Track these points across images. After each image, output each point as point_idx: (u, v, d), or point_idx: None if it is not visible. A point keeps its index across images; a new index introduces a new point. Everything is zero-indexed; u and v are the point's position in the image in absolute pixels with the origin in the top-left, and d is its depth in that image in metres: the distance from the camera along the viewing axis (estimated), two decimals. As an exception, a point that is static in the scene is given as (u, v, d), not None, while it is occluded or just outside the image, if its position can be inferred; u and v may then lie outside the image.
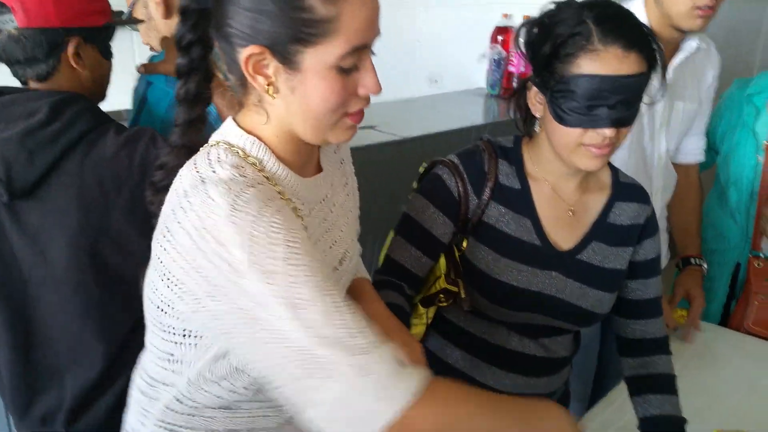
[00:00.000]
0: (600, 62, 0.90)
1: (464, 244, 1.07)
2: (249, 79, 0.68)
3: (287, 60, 0.66)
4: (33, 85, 1.08)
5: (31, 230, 1.03)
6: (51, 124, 1.00)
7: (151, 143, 1.04)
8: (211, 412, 0.77)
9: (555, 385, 1.18)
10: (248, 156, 0.71)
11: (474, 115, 2.39)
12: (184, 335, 0.71)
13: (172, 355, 0.74)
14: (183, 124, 0.76)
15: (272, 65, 0.67)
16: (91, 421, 1.10)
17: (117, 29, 1.16)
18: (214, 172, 0.66)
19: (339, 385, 0.61)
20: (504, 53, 2.44)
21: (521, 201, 1.06)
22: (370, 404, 0.61)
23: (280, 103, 0.70)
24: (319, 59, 0.66)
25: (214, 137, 0.75)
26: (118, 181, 1.02)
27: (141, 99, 1.23)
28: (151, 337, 0.77)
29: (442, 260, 1.07)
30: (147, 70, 1.18)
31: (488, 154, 1.06)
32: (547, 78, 0.96)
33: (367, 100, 0.72)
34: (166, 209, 0.69)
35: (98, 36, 1.11)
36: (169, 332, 0.72)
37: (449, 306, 1.08)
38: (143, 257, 0.82)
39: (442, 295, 1.05)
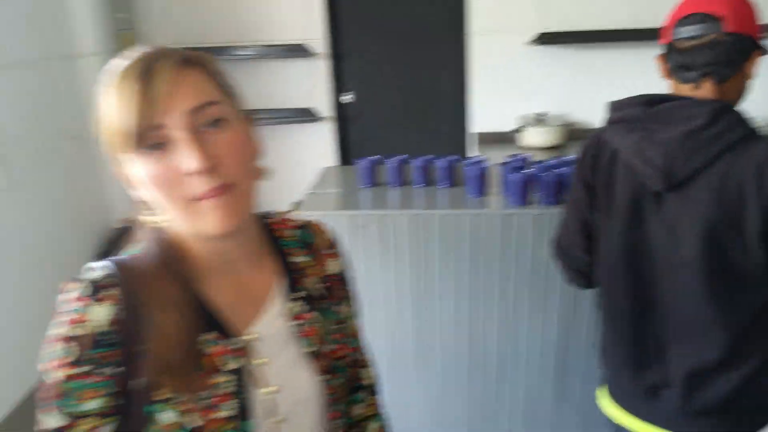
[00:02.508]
0: None
1: None
2: None
3: None
4: (700, 90, 1.17)
5: (669, 219, 1.17)
6: (709, 128, 1.10)
7: None
8: None
9: None
10: None
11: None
12: None
13: None
14: None
15: None
16: (710, 398, 1.19)
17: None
18: None
19: None
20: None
21: None
22: None
23: None
24: None
25: None
26: (759, 185, 1.08)
27: None
28: None
29: None
30: None
31: None
32: None
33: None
34: None
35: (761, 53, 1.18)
36: None
37: None
38: (759, 254, 1.05)
39: None
